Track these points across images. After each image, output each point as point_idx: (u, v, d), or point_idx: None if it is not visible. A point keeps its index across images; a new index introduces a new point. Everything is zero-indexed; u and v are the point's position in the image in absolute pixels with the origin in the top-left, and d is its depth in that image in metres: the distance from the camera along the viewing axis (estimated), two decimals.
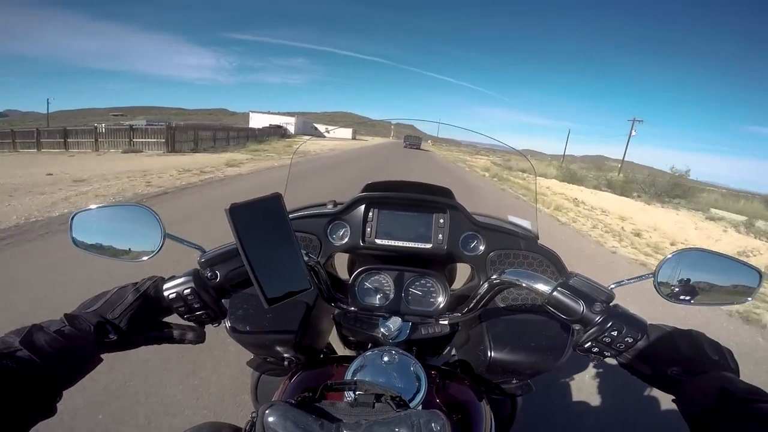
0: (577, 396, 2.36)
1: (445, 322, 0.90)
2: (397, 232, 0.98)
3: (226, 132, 22.05)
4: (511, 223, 1.06)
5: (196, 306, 0.62)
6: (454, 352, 1.10)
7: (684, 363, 0.61)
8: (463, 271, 1.16)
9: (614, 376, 2.52)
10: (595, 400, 2.35)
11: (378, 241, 0.97)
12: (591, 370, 2.57)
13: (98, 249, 0.68)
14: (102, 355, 0.57)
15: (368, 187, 0.99)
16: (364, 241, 0.97)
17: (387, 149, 36.12)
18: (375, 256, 1.01)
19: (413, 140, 49.46)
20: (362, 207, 0.98)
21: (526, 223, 1.07)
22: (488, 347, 0.83)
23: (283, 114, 70.79)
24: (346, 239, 0.99)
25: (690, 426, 0.56)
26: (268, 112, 74.14)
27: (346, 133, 78.73)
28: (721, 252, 0.67)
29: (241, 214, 0.54)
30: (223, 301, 0.67)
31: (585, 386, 2.45)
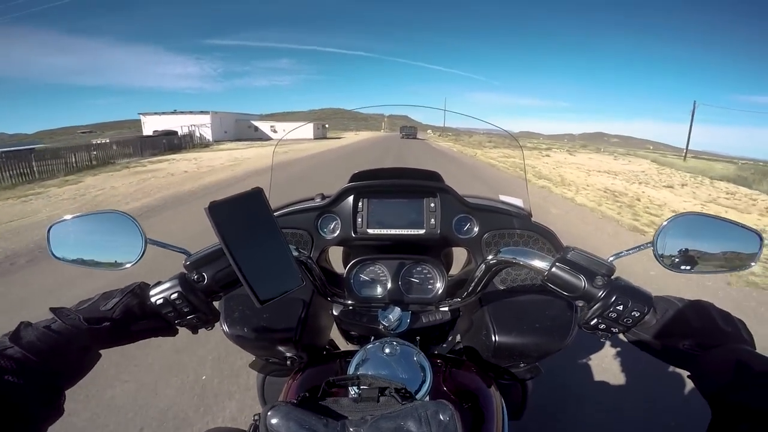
0: (588, 377, 2.35)
1: (446, 309, 0.89)
2: (388, 220, 0.96)
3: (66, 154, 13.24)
4: (503, 202, 1.05)
5: (185, 310, 0.61)
6: (459, 339, 1.09)
7: (696, 336, 0.58)
8: (459, 257, 1.15)
9: (625, 355, 2.51)
10: (609, 381, 2.34)
11: (370, 231, 0.96)
12: (601, 351, 2.55)
13: (79, 260, 0.66)
14: (101, 351, 0.57)
15: (355, 177, 0.97)
16: (356, 232, 0.96)
17: (369, 151, 21.80)
18: (369, 246, 0.99)
19: (409, 130, 50.55)
20: (351, 198, 0.96)
21: (518, 202, 1.06)
22: (492, 331, 0.82)
23: (197, 113, 42.41)
24: (338, 232, 0.97)
25: (709, 403, 0.53)
26: (174, 112, 44.97)
27: (306, 131, 48.54)
28: (719, 215, 0.64)
29: (221, 212, 0.52)
30: (215, 303, 0.66)
31: (597, 367, 2.44)
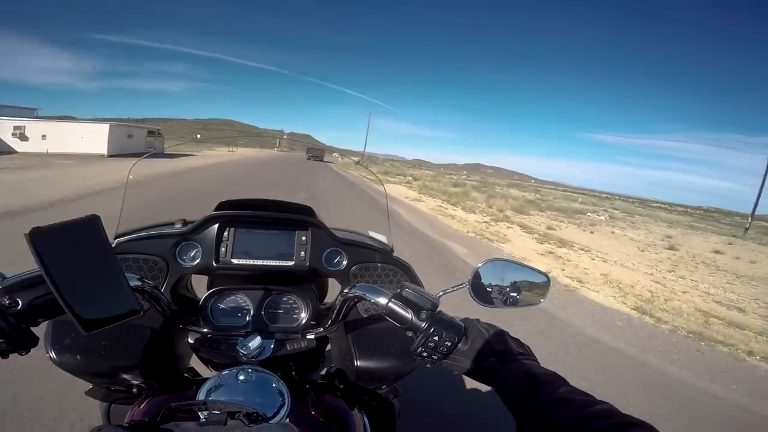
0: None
1: (312, 337, 0.93)
2: (256, 251, 0.96)
3: None
4: (371, 237, 1.13)
5: None
6: (333, 363, 1.13)
7: (497, 355, 0.68)
8: (336, 285, 1.19)
9: None
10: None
11: (235, 261, 0.95)
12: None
13: None
14: None
15: (222, 206, 0.96)
16: (218, 261, 0.94)
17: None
18: (234, 276, 0.98)
19: (316, 152, 47.57)
20: (215, 226, 0.94)
21: (383, 238, 1.15)
22: (354, 357, 0.88)
23: None
24: (198, 260, 0.95)
25: (510, 410, 0.63)
26: None
27: (95, 140, 22.95)
28: (517, 260, 0.82)
29: (46, 239, 0.49)
30: (47, 325, 0.63)
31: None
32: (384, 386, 0.96)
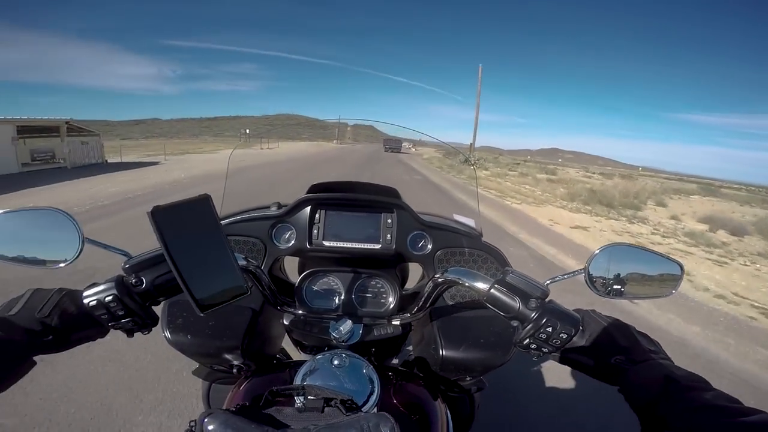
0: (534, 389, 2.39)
1: (397, 323, 0.91)
2: (345, 234, 0.96)
3: None
4: (456, 221, 1.09)
5: (120, 313, 0.58)
6: (412, 351, 1.11)
7: (624, 352, 0.62)
8: (416, 271, 1.17)
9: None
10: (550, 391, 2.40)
11: (326, 243, 0.95)
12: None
13: (9, 257, 0.62)
14: (36, 357, 0.55)
15: (314, 188, 0.97)
16: (311, 243, 0.95)
17: None
18: (324, 258, 0.99)
19: (393, 143, 46.34)
20: (308, 208, 0.95)
21: (470, 222, 1.10)
22: (439, 346, 0.84)
23: None
24: (293, 242, 0.97)
25: (639, 416, 0.57)
26: None
27: None
28: (645, 246, 0.71)
29: (165, 217, 0.50)
30: (160, 306, 0.64)
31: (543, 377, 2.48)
32: (468, 378, 0.92)
